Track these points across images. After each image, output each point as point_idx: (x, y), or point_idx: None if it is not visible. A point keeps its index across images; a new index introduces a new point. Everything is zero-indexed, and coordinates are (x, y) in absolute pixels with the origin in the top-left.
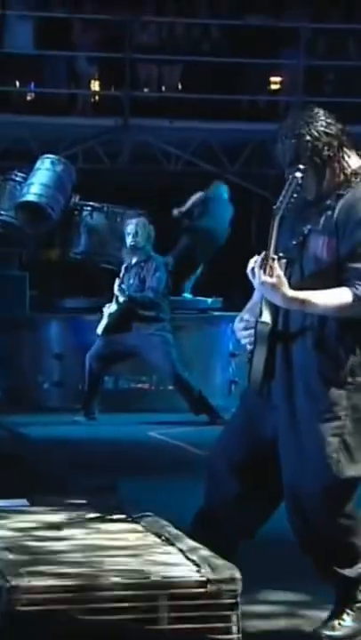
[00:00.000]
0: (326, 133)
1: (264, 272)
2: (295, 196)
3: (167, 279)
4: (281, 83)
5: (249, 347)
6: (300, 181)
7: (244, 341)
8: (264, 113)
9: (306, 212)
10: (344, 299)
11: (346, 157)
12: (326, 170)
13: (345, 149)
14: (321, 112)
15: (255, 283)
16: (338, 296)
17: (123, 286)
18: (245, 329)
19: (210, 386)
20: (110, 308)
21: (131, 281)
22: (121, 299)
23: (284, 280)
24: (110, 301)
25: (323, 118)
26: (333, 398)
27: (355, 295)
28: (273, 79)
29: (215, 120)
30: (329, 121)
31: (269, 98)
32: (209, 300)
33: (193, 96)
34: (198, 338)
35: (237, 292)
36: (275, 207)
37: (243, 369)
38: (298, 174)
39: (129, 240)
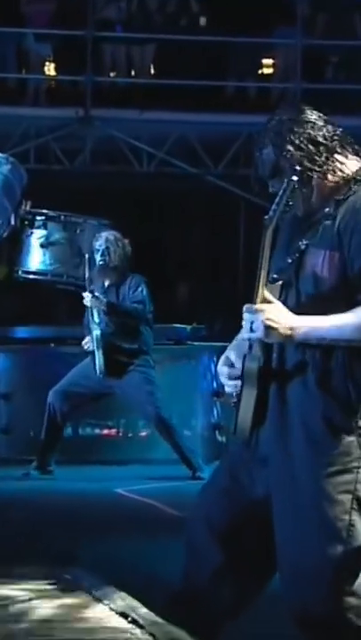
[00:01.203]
0: (313, 141)
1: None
2: (291, 203)
3: (150, 302)
4: (274, 66)
5: (234, 395)
6: (296, 185)
7: (229, 389)
8: (254, 102)
9: (302, 224)
10: (359, 321)
11: (339, 164)
12: (313, 182)
13: (336, 156)
14: (309, 114)
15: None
16: (353, 318)
17: (94, 316)
18: (231, 377)
19: (190, 432)
20: (87, 345)
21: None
22: (95, 332)
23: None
24: (75, 331)
25: (311, 122)
26: (342, 447)
27: None
28: (265, 62)
29: (195, 111)
30: (318, 124)
31: (261, 84)
32: (188, 328)
33: (169, 82)
34: (175, 373)
35: (223, 317)
36: (266, 218)
37: (230, 411)
38: (294, 177)
39: (98, 258)
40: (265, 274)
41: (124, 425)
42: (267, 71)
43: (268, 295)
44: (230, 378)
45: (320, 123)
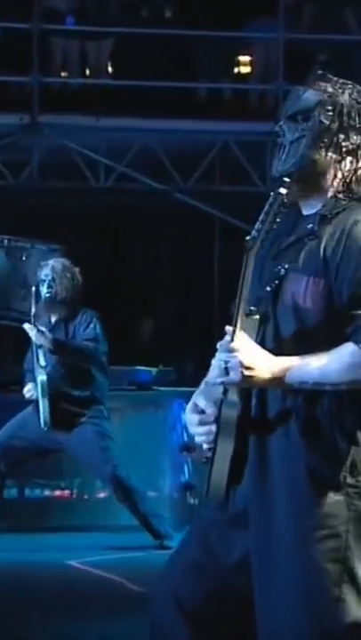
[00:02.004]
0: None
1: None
2: (278, 221)
3: (104, 341)
4: (252, 64)
5: (206, 446)
6: (285, 200)
7: (199, 439)
8: (229, 107)
9: (278, 243)
10: (349, 360)
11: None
12: (338, 171)
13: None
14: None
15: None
16: (339, 357)
17: (40, 358)
18: (202, 423)
19: (156, 493)
20: (30, 393)
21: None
22: (40, 377)
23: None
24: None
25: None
26: (329, 507)
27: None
28: (241, 59)
29: (161, 117)
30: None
31: (236, 86)
32: (153, 371)
33: (129, 83)
34: (139, 424)
35: (196, 358)
36: (248, 239)
37: (203, 468)
38: (282, 190)
39: (44, 290)
40: (245, 305)
41: (78, 485)
42: (244, 70)
43: (242, 333)
44: (202, 424)
45: None
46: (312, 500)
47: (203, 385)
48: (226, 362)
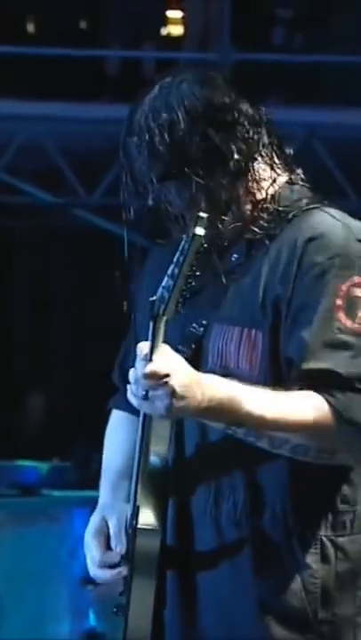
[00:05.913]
0: (231, 125)
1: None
2: (197, 274)
3: None
4: (185, 23)
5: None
6: (204, 244)
7: (101, 575)
8: (154, 84)
9: (189, 281)
10: (313, 415)
11: (260, 173)
12: (230, 202)
13: (261, 159)
14: (219, 78)
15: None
16: (303, 405)
17: None
18: (104, 563)
19: None
20: None
21: None
22: None
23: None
24: None
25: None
26: None
27: (334, 410)
28: (170, 15)
29: (53, 99)
30: (231, 96)
31: (163, 54)
32: (44, 467)
33: (7, 50)
34: (22, 545)
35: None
36: (155, 300)
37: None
38: (199, 230)
39: None
40: None
41: None
42: (174, 32)
43: (166, 349)
44: (104, 564)
45: (233, 93)
46: None
47: (104, 473)
48: (147, 390)
